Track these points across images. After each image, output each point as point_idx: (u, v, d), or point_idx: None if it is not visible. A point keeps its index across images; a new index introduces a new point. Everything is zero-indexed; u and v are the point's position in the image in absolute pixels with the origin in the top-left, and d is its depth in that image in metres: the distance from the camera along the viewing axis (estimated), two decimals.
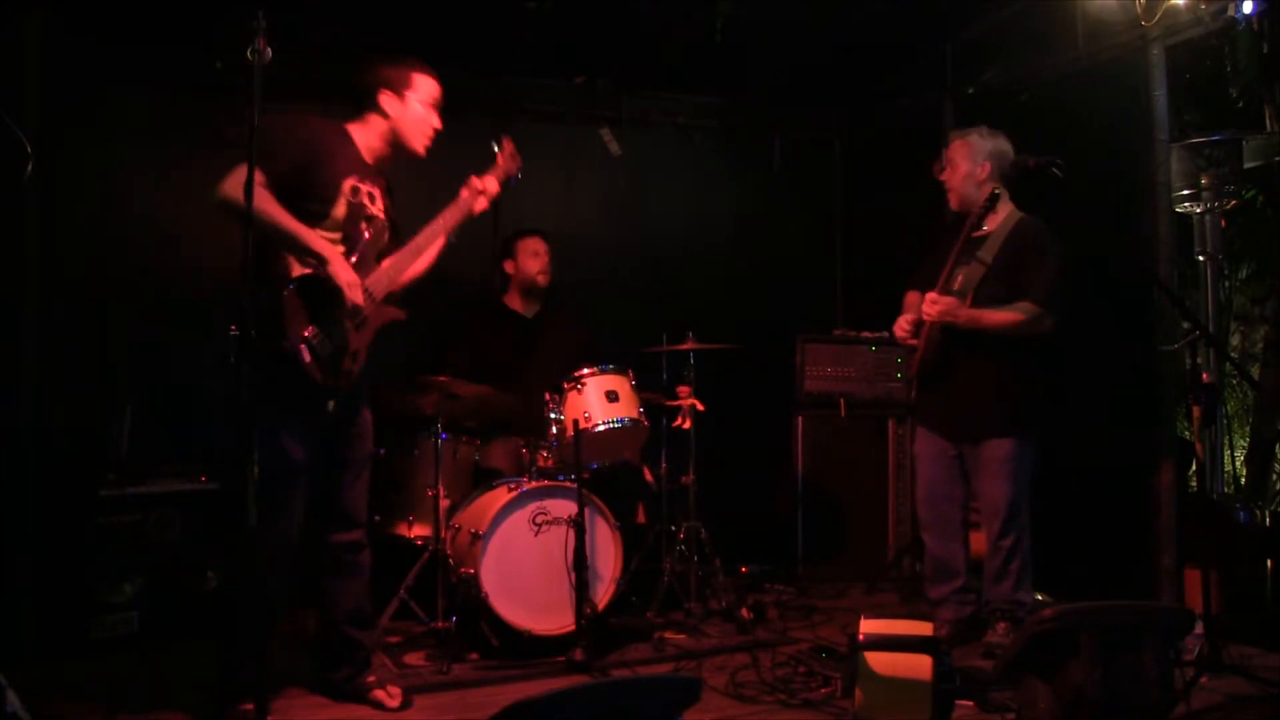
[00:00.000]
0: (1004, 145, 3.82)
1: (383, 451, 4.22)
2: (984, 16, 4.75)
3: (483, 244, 5.11)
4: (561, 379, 3.90)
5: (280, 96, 3.12)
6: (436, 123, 3.18)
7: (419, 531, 4.02)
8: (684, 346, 4.34)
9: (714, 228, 5.65)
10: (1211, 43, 4.38)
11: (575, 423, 3.72)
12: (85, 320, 4.19)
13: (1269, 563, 3.82)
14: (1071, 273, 3.69)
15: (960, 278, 3.72)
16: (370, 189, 3.08)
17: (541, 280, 4.56)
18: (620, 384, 3.90)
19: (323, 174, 2.94)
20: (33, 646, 3.66)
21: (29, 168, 2.92)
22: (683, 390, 4.40)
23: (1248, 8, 3.87)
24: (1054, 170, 3.26)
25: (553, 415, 3.85)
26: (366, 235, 3.04)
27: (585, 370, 3.87)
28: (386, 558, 4.12)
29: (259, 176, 2.77)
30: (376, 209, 3.10)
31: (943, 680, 2.86)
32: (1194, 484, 4.27)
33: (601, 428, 3.77)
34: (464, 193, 3.33)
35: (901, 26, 4.81)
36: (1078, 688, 2.66)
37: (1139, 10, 4.09)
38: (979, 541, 3.97)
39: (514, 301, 4.64)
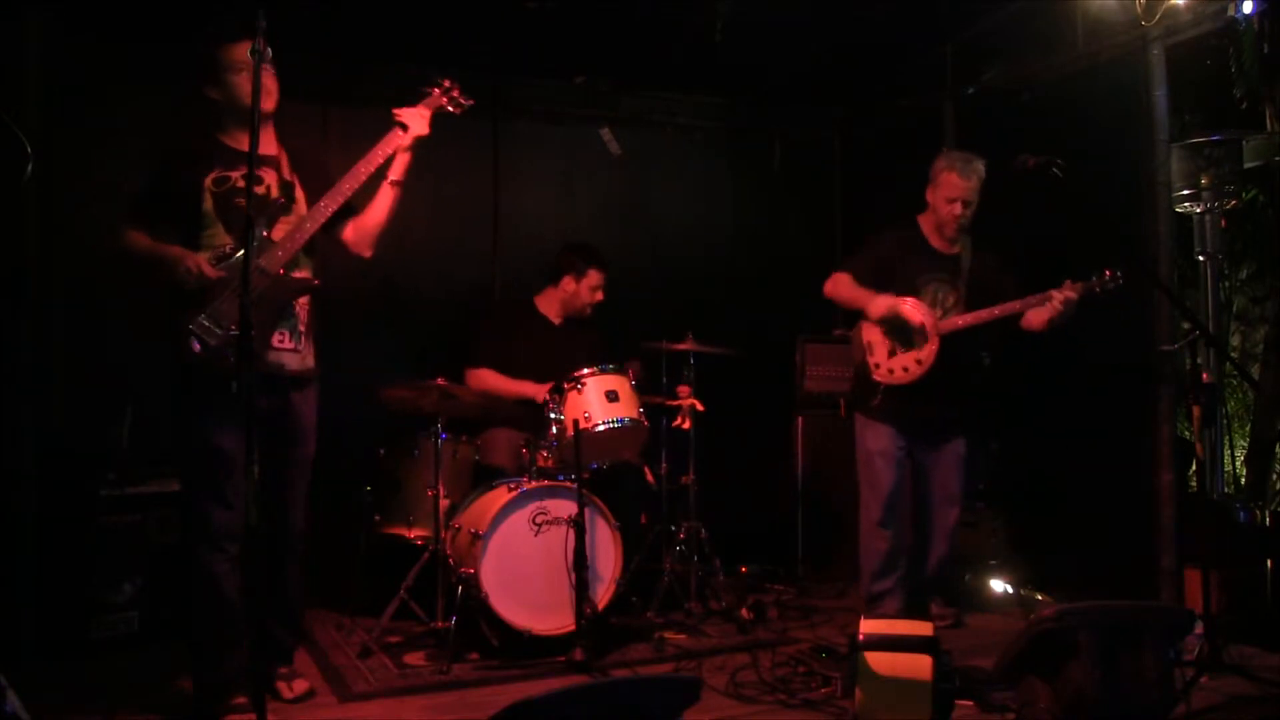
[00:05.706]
0: None
1: (383, 451, 4.23)
2: (984, 16, 4.76)
3: (483, 243, 5.14)
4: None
5: (281, 96, 3.14)
6: (268, 80, 3.14)
7: (419, 531, 4.03)
8: (684, 346, 4.34)
9: (714, 228, 5.65)
10: (1211, 43, 4.37)
11: (575, 423, 3.71)
12: (85, 320, 4.19)
13: (1269, 563, 3.82)
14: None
15: (932, 290, 3.98)
16: (251, 173, 3.11)
17: (588, 313, 4.55)
18: (620, 384, 3.89)
19: (180, 185, 3.06)
20: (33, 646, 3.66)
21: (29, 168, 2.92)
22: (683, 390, 4.39)
23: (1247, 8, 3.87)
24: (1054, 170, 3.25)
25: (553, 415, 3.85)
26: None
27: (585, 370, 3.86)
28: (386, 558, 4.13)
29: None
30: (263, 189, 3.12)
31: (943, 680, 2.86)
32: (1194, 484, 4.26)
33: (601, 428, 3.76)
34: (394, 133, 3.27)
35: (901, 26, 4.81)
36: (1078, 688, 2.66)
37: (1139, 10, 4.09)
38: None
39: (548, 307, 4.57)
